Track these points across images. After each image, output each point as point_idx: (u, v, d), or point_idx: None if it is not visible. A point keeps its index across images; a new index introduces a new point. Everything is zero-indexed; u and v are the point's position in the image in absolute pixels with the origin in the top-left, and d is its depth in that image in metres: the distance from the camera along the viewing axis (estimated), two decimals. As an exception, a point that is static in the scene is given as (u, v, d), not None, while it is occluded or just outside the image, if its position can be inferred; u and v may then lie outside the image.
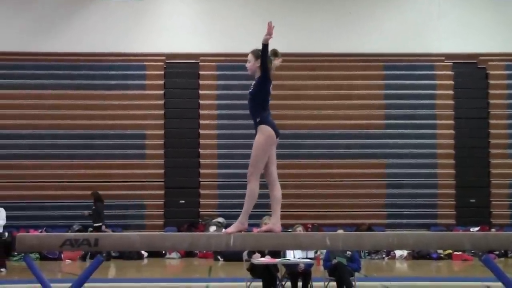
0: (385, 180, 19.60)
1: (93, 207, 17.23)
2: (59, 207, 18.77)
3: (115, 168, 19.21)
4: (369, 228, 18.47)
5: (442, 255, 17.91)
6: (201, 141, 19.72)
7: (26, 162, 19.02)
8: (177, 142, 19.66)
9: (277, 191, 6.41)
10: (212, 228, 18.32)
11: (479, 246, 6.41)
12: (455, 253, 17.64)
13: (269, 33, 6.15)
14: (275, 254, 10.51)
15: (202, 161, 19.64)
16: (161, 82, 19.88)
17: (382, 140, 19.75)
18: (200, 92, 19.93)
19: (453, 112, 19.91)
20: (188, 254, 18.06)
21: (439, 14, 19.96)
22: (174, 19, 19.85)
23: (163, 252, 17.78)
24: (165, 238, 6.72)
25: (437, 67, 20.13)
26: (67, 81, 19.55)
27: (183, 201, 19.46)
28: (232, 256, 16.08)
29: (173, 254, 18.00)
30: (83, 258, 17.03)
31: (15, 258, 16.75)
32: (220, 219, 18.70)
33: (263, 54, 6.24)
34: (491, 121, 19.95)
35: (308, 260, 10.65)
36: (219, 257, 17.42)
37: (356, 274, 10.86)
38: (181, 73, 19.98)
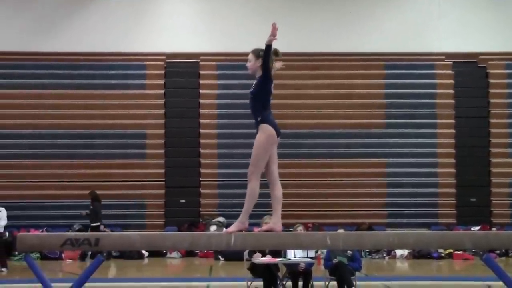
0: (385, 179, 19.61)
1: (91, 207, 17.25)
2: (60, 206, 18.77)
3: (116, 167, 19.20)
4: (370, 227, 18.46)
5: (442, 255, 17.91)
6: (202, 141, 19.72)
7: (26, 162, 19.02)
8: (178, 141, 19.66)
9: (277, 191, 6.41)
10: (213, 228, 18.32)
11: (480, 245, 6.41)
12: (456, 252, 17.65)
13: (273, 35, 6.16)
14: (276, 253, 10.50)
15: (202, 160, 19.65)
16: (162, 81, 19.88)
17: (383, 139, 19.75)
18: (201, 91, 19.92)
19: (454, 111, 19.91)
20: (188, 253, 18.06)
21: (439, 13, 19.95)
22: (174, 18, 19.84)
23: (164, 251, 17.78)
24: (165, 238, 6.72)
25: (437, 66, 20.12)
26: (67, 81, 19.55)
27: (184, 201, 19.46)
28: (233, 255, 16.08)
29: (174, 254, 18.00)
30: (82, 258, 17.02)
31: (16, 258, 16.76)
32: (221, 219, 18.70)
33: (266, 55, 6.25)
34: (492, 120, 19.95)
35: (309, 260, 10.65)
36: (219, 257, 17.42)
37: (357, 273, 10.86)
38: (182, 72, 19.98)
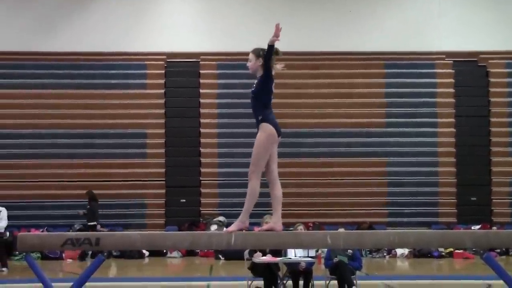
0: (386, 179, 19.61)
1: (88, 206, 17.27)
2: (60, 206, 18.76)
3: (116, 167, 19.20)
4: (370, 226, 18.45)
5: (443, 254, 17.91)
6: (202, 140, 19.73)
7: (26, 162, 19.02)
8: (178, 141, 19.67)
9: (277, 190, 6.40)
10: (213, 227, 18.33)
11: (480, 244, 6.41)
12: (456, 251, 17.64)
13: (277, 35, 6.16)
14: (276, 253, 10.50)
15: (203, 160, 19.65)
16: (162, 81, 19.88)
17: (383, 139, 19.75)
18: (201, 91, 19.93)
19: (454, 110, 19.91)
20: (189, 253, 18.06)
21: (439, 12, 19.95)
22: (175, 18, 19.84)
23: (164, 251, 17.78)
24: (166, 237, 6.72)
25: (437, 65, 20.12)
26: (67, 81, 19.56)
27: (184, 200, 19.46)
28: (233, 255, 16.06)
29: (174, 253, 18.00)
30: (82, 257, 17.02)
31: (16, 258, 16.76)
32: (221, 218, 18.70)
33: (268, 55, 6.25)
34: (492, 119, 19.95)
35: (309, 259, 10.65)
36: (220, 256, 17.42)
37: (357, 272, 10.86)
38: (182, 72, 19.98)
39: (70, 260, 17.19)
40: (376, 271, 14.97)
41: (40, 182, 18.90)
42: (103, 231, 16.47)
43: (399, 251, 17.93)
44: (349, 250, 10.62)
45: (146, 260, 17.67)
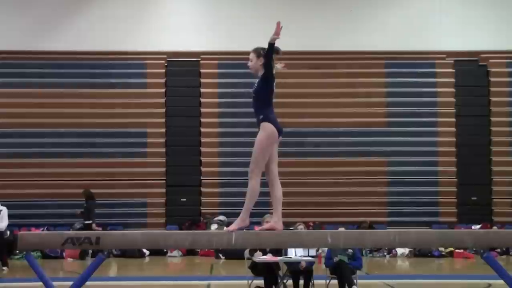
0: (386, 178, 19.60)
1: (84, 205, 17.28)
2: (60, 205, 18.76)
3: (116, 166, 19.20)
4: (371, 226, 18.44)
5: (443, 253, 17.90)
6: (203, 139, 19.73)
7: (27, 161, 19.03)
8: (179, 140, 19.66)
9: (277, 190, 6.40)
10: (214, 226, 18.33)
11: (481, 244, 6.41)
12: (457, 251, 17.64)
13: (277, 33, 6.18)
14: (277, 252, 10.50)
15: (203, 159, 19.65)
16: (163, 80, 19.88)
17: (384, 138, 19.74)
18: (202, 90, 19.93)
19: (455, 110, 19.90)
20: (189, 252, 18.05)
21: (440, 11, 19.94)
22: (175, 17, 19.84)
23: (165, 250, 17.79)
24: (166, 236, 6.72)
25: (438, 64, 20.11)
26: (68, 80, 19.54)
27: (185, 199, 19.46)
28: (234, 254, 16.04)
29: (175, 252, 18.01)
30: (82, 256, 17.02)
31: (17, 257, 16.75)
32: (222, 217, 18.70)
33: (268, 53, 6.25)
34: (493, 119, 19.94)
35: (310, 258, 10.64)
36: (220, 255, 17.41)
37: (358, 272, 10.85)
38: (182, 71, 19.97)
39: (71, 259, 17.19)
40: (377, 271, 14.97)
41: (40, 181, 18.90)
42: (98, 230, 16.46)
43: (400, 250, 17.94)
44: (349, 250, 10.62)
45: (147, 259, 17.67)
